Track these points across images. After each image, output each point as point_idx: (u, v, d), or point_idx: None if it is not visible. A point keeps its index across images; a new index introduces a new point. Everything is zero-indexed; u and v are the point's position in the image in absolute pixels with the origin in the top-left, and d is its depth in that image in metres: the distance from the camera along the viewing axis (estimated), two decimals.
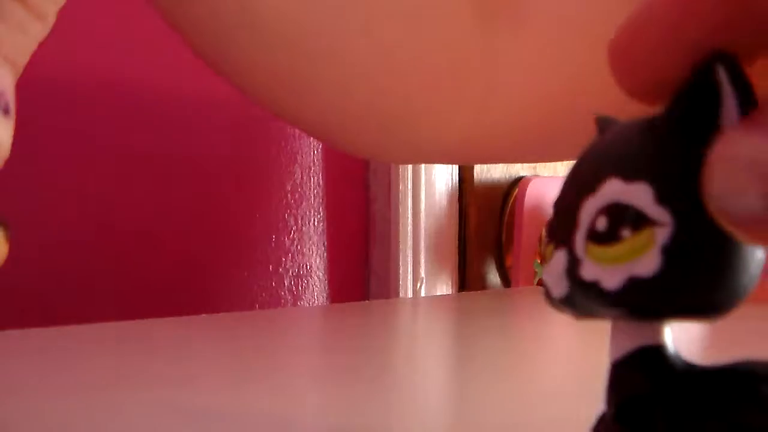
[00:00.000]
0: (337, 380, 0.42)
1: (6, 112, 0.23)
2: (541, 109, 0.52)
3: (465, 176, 0.97)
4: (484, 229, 1.00)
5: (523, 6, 0.52)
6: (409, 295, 0.89)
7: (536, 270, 1.03)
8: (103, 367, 0.43)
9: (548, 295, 0.21)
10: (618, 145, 0.20)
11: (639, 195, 0.19)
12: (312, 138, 0.77)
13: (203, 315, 0.57)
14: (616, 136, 0.21)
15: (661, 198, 0.19)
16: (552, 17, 0.52)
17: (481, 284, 0.99)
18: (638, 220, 0.19)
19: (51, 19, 0.24)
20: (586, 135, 0.56)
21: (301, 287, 0.76)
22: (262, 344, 0.50)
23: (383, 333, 0.56)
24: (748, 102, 0.19)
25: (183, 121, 0.71)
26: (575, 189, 0.21)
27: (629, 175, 0.20)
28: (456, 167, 0.96)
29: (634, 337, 0.21)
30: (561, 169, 1.07)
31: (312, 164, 0.79)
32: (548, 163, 1.06)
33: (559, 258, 0.21)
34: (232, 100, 0.73)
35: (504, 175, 1.02)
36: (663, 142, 0.20)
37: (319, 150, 0.80)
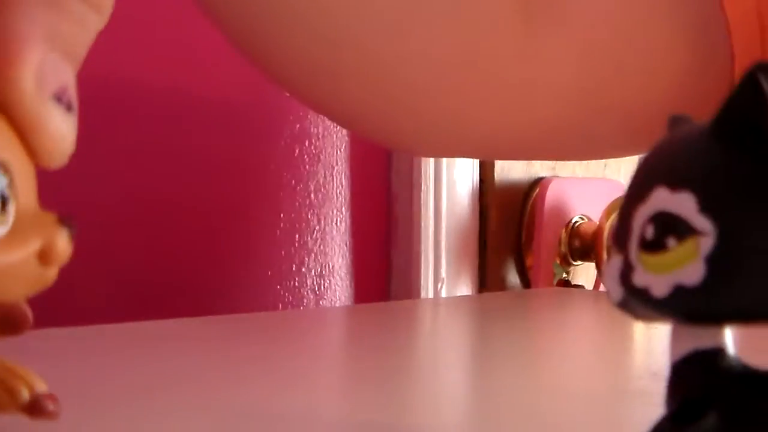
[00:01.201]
0: (359, 379, 0.42)
1: (69, 107, 0.23)
2: (578, 106, 0.52)
3: (486, 177, 0.97)
4: (504, 230, 1.00)
5: (563, 6, 0.52)
6: (430, 295, 0.90)
7: (556, 271, 1.03)
8: (127, 367, 0.43)
9: (609, 297, 0.21)
10: (668, 152, 0.21)
11: (684, 204, 0.20)
12: (335, 138, 0.78)
13: (227, 315, 0.58)
14: (668, 143, 0.21)
15: (705, 207, 0.19)
16: (591, 17, 0.52)
17: (501, 285, 1.00)
18: (683, 230, 0.20)
19: (107, 11, 0.24)
20: (619, 133, 0.56)
21: (324, 287, 0.76)
22: (285, 344, 0.50)
23: (405, 333, 0.56)
24: None
25: (205, 121, 0.72)
26: (630, 196, 0.21)
27: (675, 184, 0.20)
28: (477, 168, 0.96)
29: (691, 340, 0.21)
30: (579, 170, 1.08)
31: (335, 164, 0.79)
32: (568, 164, 1.05)
33: (615, 263, 0.21)
34: (256, 100, 0.73)
35: (524, 175, 1.02)
36: (707, 152, 0.20)
37: (343, 150, 0.80)
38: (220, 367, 0.43)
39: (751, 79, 0.19)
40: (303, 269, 0.76)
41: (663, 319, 0.21)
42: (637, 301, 0.21)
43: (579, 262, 1.05)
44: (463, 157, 0.89)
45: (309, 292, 0.76)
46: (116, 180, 0.66)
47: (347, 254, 0.80)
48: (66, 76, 0.23)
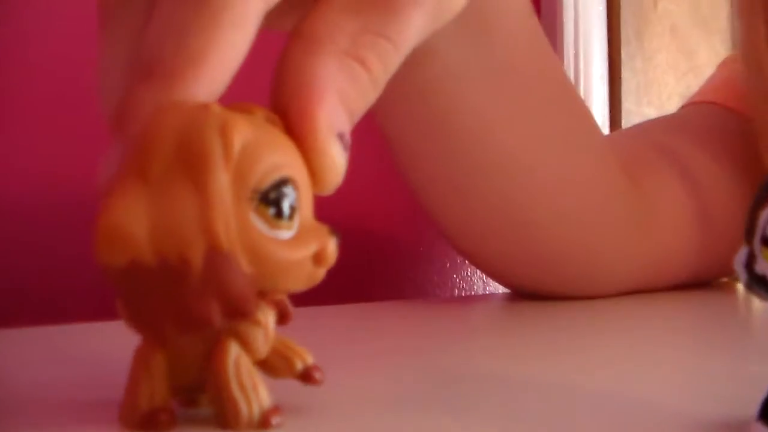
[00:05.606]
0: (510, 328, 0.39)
1: (346, 147, 0.21)
2: (682, 243, 0.49)
3: None
4: None
5: (660, 171, 0.49)
6: None
7: None
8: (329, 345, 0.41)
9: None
10: None
11: None
12: None
13: (420, 299, 0.56)
14: None
15: None
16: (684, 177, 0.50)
17: None
18: None
19: (380, 88, 0.23)
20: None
21: (486, 279, 0.74)
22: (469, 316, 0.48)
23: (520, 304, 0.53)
24: None
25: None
26: (757, 199, 0.19)
27: None
28: None
29: None
30: None
31: None
32: None
33: (743, 253, 0.19)
34: None
35: None
36: None
37: None
38: (427, 338, 0.41)
39: None
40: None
41: None
42: (758, 286, 0.18)
43: None
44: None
45: (479, 280, 0.74)
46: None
47: None
48: (346, 126, 0.21)
